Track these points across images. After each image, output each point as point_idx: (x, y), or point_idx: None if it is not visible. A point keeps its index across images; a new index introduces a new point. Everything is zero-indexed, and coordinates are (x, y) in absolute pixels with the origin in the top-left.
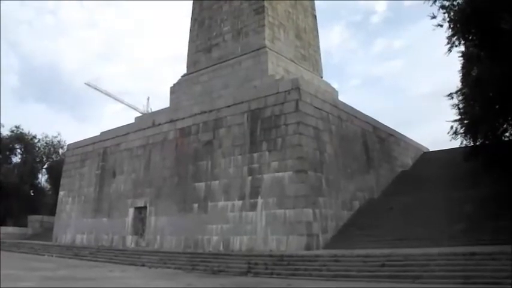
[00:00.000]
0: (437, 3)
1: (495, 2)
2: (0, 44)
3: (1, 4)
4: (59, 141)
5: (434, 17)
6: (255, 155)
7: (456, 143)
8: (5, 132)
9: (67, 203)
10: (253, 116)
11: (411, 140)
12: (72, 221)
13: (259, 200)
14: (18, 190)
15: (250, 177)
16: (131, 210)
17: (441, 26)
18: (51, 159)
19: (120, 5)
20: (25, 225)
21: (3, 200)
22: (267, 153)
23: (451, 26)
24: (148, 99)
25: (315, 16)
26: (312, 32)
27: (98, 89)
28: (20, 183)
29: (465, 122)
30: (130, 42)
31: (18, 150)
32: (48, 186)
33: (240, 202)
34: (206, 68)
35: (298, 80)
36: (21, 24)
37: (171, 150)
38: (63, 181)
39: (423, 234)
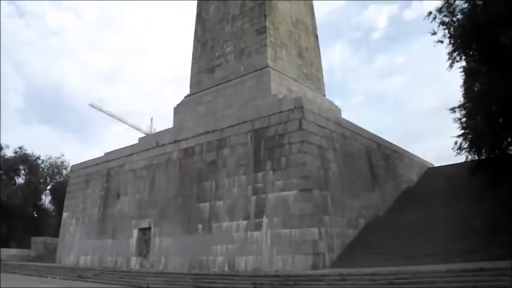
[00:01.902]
0: (438, 20)
1: (494, 16)
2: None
3: (7, 25)
4: (62, 162)
5: (434, 33)
6: (259, 174)
7: (461, 157)
8: (9, 153)
9: (71, 224)
10: (256, 135)
11: (415, 156)
12: (76, 242)
13: (264, 220)
14: (22, 211)
15: (254, 197)
16: (135, 231)
17: (442, 42)
18: (55, 180)
19: (123, 26)
20: (28, 247)
21: (7, 222)
22: (271, 172)
23: (452, 41)
24: (151, 119)
25: (317, 35)
26: (314, 51)
27: (101, 110)
28: (23, 205)
29: (469, 136)
30: (134, 63)
31: (22, 171)
32: (52, 208)
33: (245, 222)
34: (209, 88)
35: (301, 99)
36: (26, 45)
37: (175, 171)
38: (66, 202)
39: (431, 251)
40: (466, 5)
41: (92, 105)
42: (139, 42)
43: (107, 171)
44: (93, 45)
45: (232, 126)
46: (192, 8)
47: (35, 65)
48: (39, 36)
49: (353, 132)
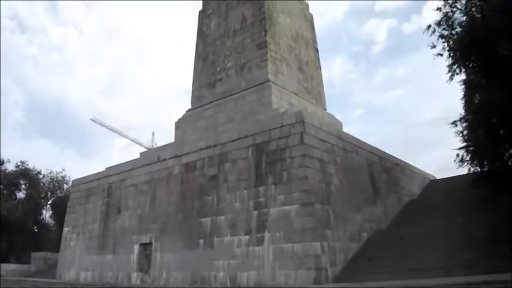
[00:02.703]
0: (437, 33)
1: (493, 29)
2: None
3: (9, 40)
4: (63, 177)
5: (434, 47)
6: (261, 188)
7: (463, 169)
8: (10, 167)
9: (71, 239)
10: (258, 149)
11: (417, 168)
12: (76, 257)
13: (266, 235)
14: (22, 226)
15: (256, 212)
16: (136, 247)
17: (441, 55)
18: (56, 195)
19: (125, 40)
20: (28, 262)
21: (7, 237)
22: (272, 186)
23: (451, 54)
24: (153, 134)
25: (317, 49)
26: (314, 65)
27: (103, 125)
28: (24, 219)
29: (470, 149)
30: (135, 77)
31: (23, 186)
32: (52, 222)
33: (247, 237)
34: (210, 102)
35: (302, 113)
36: (27, 60)
37: (177, 186)
38: (67, 217)
39: (434, 264)
40: (464, 18)
41: (93, 120)
42: (140, 56)
43: (108, 186)
44: (94, 60)
45: (233, 140)
46: (193, 23)
47: (36, 80)
48: (40, 51)
49: (354, 146)
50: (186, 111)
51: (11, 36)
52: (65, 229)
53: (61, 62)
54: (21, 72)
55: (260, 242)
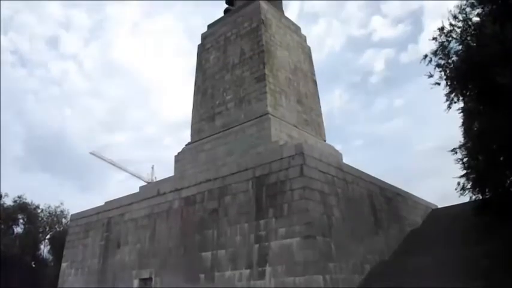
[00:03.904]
0: (433, 62)
1: (489, 57)
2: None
3: (10, 73)
4: (62, 211)
5: (431, 76)
6: (262, 222)
7: (465, 197)
8: (8, 201)
9: (69, 274)
10: (258, 182)
11: (419, 198)
12: None
13: (268, 268)
14: (20, 262)
15: (257, 245)
16: (136, 282)
17: (438, 84)
18: (54, 229)
19: (124, 74)
20: None
21: (4, 272)
22: (273, 219)
23: (449, 83)
24: (152, 167)
25: (315, 81)
26: (313, 97)
27: (102, 159)
28: (21, 255)
29: (471, 176)
30: (134, 110)
31: (21, 221)
32: (51, 257)
33: (248, 271)
34: (210, 136)
35: (302, 145)
36: (27, 93)
37: (176, 220)
38: (66, 252)
39: None
40: (460, 47)
41: (93, 154)
42: (140, 89)
43: (107, 220)
44: (94, 93)
45: (233, 173)
46: (192, 57)
47: (36, 113)
48: (40, 85)
49: (355, 177)
50: (186, 145)
51: (12, 69)
52: (63, 264)
53: (61, 96)
54: (21, 105)
55: (261, 275)
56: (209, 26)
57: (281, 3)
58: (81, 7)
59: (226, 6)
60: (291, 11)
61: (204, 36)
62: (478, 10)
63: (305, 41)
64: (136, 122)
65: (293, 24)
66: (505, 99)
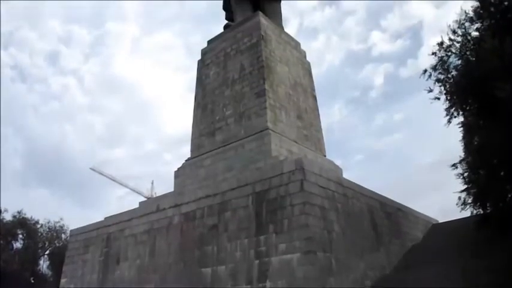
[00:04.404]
0: (433, 77)
1: (488, 71)
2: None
3: (10, 89)
4: (61, 226)
5: (431, 91)
6: (262, 237)
7: (466, 212)
8: (8, 217)
9: None
10: (258, 198)
11: (419, 212)
12: None
13: (268, 284)
14: (19, 277)
15: (257, 261)
16: None
17: (438, 98)
18: (54, 245)
19: (124, 90)
20: None
21: None
22: (273, 235)
23: (448, 98)
24: (152, 183)
25: (315, 96)
26: (313, 112)
27: (102, 174)
28: (20, 270)
29: (472, 191)
30: (134, 126)
31: (20, 236)
32: (50, 273)
33: (248, 287)
34: (210, 151)
35: (302, 160)
36: (27, 108)
37: (176, 235)
38: (65, 268)
39: None
40: (459, 62)
41: (92, 169)
42: (140, 105)
43: (107, 236)
44: (94, 109)
45: (233, 189)
46: (192, 73)
47: (36, 128)
48: (40, 100)
49: (355, 192)
50: (186, 160)
51: (12, 85)
52: (63, 280)
53: (61, 111)
54: (20, 120)
55: None
56: (209, 42)
57: (281, 18)
58: (81, 23)
59: (226, 22)
60: (290, 27)
61: (204, 52)
62: (477, 25)
63: (305, 56)
64: (136, 137)
65: (293, 39)
66: (504, 114)
